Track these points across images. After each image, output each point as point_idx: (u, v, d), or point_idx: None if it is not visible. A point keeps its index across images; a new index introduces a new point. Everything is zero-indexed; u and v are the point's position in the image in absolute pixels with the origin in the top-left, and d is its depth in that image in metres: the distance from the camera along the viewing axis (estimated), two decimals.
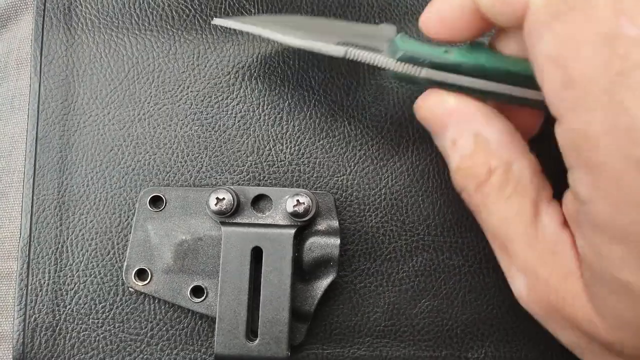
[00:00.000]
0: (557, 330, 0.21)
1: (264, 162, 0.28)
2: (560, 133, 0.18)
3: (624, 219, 0.16)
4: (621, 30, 0.16)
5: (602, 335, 0.18)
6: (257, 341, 0.25)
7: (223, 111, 0.29)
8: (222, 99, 0.29)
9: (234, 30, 0.29)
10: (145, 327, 0.28)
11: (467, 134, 0.22)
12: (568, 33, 0.17)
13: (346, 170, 0.28)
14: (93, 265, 0.28)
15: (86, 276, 0.28)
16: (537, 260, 0.20)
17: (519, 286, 0.21)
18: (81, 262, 0.28)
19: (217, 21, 0.27)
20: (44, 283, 0.28)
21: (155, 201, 0.28)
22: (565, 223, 0.20)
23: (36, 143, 0.28)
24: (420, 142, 0.29)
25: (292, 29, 0.25)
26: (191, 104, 0.29)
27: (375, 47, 0.23)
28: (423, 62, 0.22)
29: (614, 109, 0.16)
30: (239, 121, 0.29)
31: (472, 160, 0.21)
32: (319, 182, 0.28)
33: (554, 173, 0.22)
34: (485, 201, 0.21)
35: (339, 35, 0.24)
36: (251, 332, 0.26)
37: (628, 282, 0.17)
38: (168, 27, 0.29)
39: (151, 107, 0.28)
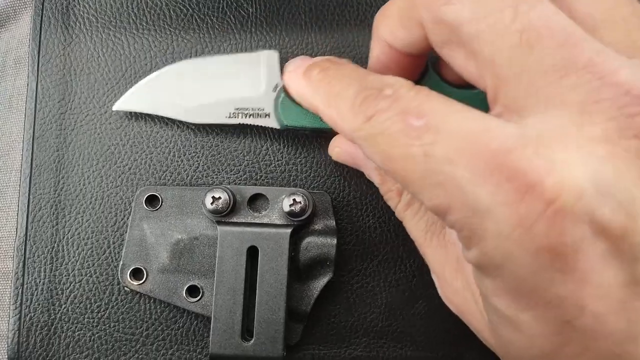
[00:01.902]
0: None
1: (261, 161, 0.28)
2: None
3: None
4: None
5: (495, 348, 0.21)
6: (252, 341, 0.25)
7: None
8: None
9: (231, 29, 0.29)
10: (141, 327, 0.28)
11: (370, 171, 0.26)
12: None
13: (343, 170, 0.28)
14: (89, 265, 0.28)
15: (82, 275, 0.28)
16: (444, 267, 0.23)
17: (436, 286, 0.24)
18: (77, 261, 0.28)
19: (117, 106, 0.28)
20: (40, 282, 0.28)
21: (151, 200, 0.27)
22: None
23: (33, 142, 0.28)
24: None
25: (191, 110, 0.27)
26: None
27: (263, 109, 0.27)
28: (304, 127, 0.27)
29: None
30: None
31: (383, 189, 0.25)
32: (316, 182, 0.28)
33: None
34: (401, 215, 0.25)
35: (231, 103, 0.27)
36: (247, 331, 0.26)
37: (503, 311, 0.18)
38: (165, 26, 0.29)
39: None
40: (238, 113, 0.27)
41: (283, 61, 0.28)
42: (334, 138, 0.27)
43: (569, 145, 0.16)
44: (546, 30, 0.17)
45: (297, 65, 0.24)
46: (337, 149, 0.26)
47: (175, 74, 0.28)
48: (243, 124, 0.27)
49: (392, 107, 0.19)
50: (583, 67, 0.17)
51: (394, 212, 0.28)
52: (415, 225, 0.24)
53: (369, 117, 0.19)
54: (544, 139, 0.17)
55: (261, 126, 0.27)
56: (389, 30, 0.22)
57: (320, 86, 0.22)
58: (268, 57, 0.27)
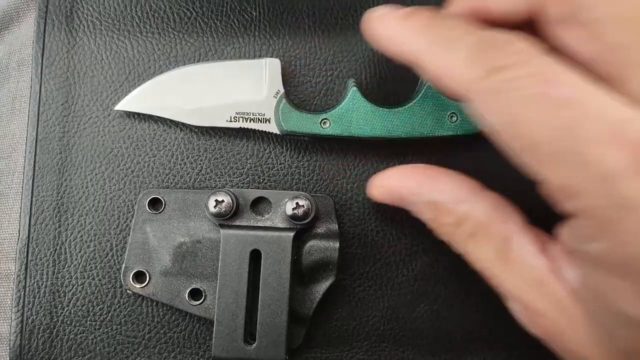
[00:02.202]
0: (557, 351, 0.21)
1: (264, 164, 0.28)
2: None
3: (627, 255, 0.17)
4: None
5: None
6: (255, 344, 0.25)
7: None
8: None
9: (235, 32, 0.29)
10: (143, 330, 0.28)
11: (422, 206, 0.24)
12: None
13: (346, 174, 0.28)
14: (91, 267, 0.28)
15: (84, 278, 0.28)
16: (522, 289, 0.21)
17: (515, 312, 0.22)
18: (79, 264, 0.28)
19: (119, 107, 0.28)
20: (42, 285, 0.28)
21: (154, 203, 0.27)
22: (542, 249, 0.21)
23: (36, 144, 0.28)
24: (421, 146, 0.29)
25: (192, 112, 0.28)
26: None
27: (264, 114, 0.27)
28: (303, 133, 0.27)
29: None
30: None
31: (437, 223, 0.24)
32: (319, 185, 0.28)
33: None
34: (462, 248, 0.23)
35: (233, 107, 0.27)
36: (249, 335, 0.26)
37: (632, 314, 0.17)
38: (169, 29, 0.29)
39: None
40: (239, 117, 0.27)
41: (287, 69, 0.29)
42: (374, 176, 0.26)
43: None
44: None
45: (391, 10, 0.22)
46: (380, 189, 0.25)
47: (178, 78, 0.28)
48: (244, 128, 0.28)
49: (527, 65, 0.17)
50: None
51: (396, 216, 0.28)
52: (483, 253, 0.22)
53: (494, 69, 0.18)
54: None
55: (263, 130, 0.28)
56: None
57: (429, 30, 0.20)
58: (270, 64, 0.28)
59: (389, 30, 0.22)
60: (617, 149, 0.16)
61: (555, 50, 0.19)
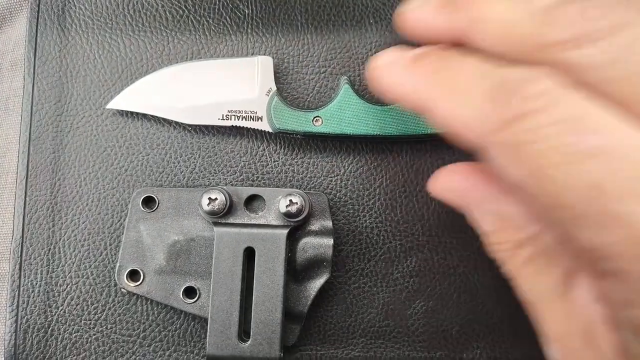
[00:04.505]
0: None
1: (257, 162, 0.28)
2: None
3: None
4: None
5: None
6: (249, 342, 0.25)
7: None
8: None
9: (227, 30, 0.29)
10: (138, 328, 0.27)
11: (487, 215, 0.21)
12: None
13: (340, 171, 0.28)
14: (85, 266, 0.28)
15: (78, 277, 0.28)
16: (570, 335, 0.19)
17: (555, 355, 0.20)
18: (73, 263, 0.28)
19: (111, 105, 0.28)
20: (36, 284, 0.27)
21: (148, 202, 0.27)
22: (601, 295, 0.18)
23: (29, 144, 0.28)
24: (414, 143, 0.29)
25: (184, 111, 0.28)
26: None
27: (256, 112, 0.27)
28: (295, 131, 0.27)
29: None
30: None
31: (497, 238, 0.21)
32: (313, 183, 0.28)
33: None
34: (515, 272, 0.20)
35: (225, 105, 0.27)
36: (244, 332, 0.26)
37: None
38: (161, 28, 0.29)
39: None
40: (231, 115, 0.28)
41: (280, 66, 0.29)
42: (438, 171, 0.22)
43: None
44: None
45: (397, 56, 0.20)
46: (442, 186, 0.22)
47: (170, 76, 0.28)
48: (236, 126, 0.28)
49: (552, 109, 0.15)
50: None
51: (390, 213, 0.28)
52: (538, 284, 0.19)
53: (512, 118, 0.16)
54: None
55: (256, 128, 0.28)
56: (483, 34, 0.18)
57: (439, 76, 0.19)
58: (262, 62, 0.28)
59: (397, 78, 0.20)
60: None
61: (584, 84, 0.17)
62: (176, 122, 0.28)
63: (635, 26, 0.16)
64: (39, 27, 0.29)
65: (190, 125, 0.28)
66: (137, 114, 0.28)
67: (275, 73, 0.28)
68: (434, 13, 0.20)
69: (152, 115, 0.28)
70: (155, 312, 0.28)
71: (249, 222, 0.27)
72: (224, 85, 0.28)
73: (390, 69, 0.20)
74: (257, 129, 0.28)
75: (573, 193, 0.15)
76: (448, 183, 0.22)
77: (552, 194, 0.15)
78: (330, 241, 0.27)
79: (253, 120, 0.27)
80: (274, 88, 0.27)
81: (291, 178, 0.28)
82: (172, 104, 0.28)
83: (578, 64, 0.16)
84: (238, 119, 0.28)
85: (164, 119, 0.28)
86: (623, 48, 0.16)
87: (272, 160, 0.28)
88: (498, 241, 0.21)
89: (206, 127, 0.28)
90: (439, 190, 0.22)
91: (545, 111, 0.15)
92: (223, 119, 0.28)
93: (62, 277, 0.28)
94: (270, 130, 0.27)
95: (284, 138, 0.29)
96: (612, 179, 0.14)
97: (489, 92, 0.17)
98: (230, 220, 0.27)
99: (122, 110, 0.28)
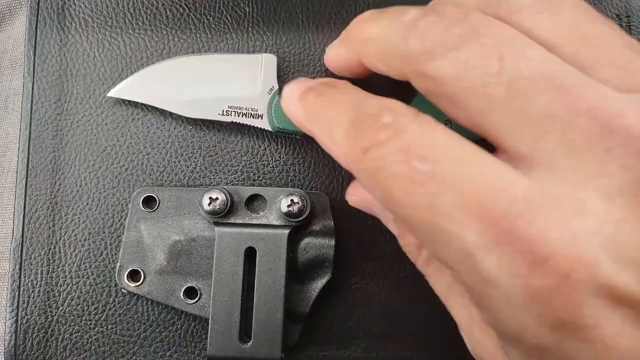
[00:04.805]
0: None
1: (259, 162, 0.28)
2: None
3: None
4: None
5: None
6: (250, 343, 0.25)
7: None
8: None
9: (228, 28, 0.29)
10: (138, 329, 0.27)
11: (388, 222, 0.24)
12: None
13: (342, 170, 0.28)
14: (86, 266, 0.28)
15: (79, 277, 0.27)
16: (471, 325, 0.21)
17: (467, 344, 0.22)
18: (74, 263, 0.28)
19: (112, 93, 0.28)
20: (37, 284, 0.27)
21: (149, 201, 0.27)
22: None
23: (29, 143, 0.28)
24: None
25: (184, 103, 0.27)
26: None
27: (256, 110, 0.27)
28: (295, 132, 0.27)
29: None
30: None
31: (402, 240, 0.24)
32: (314, 182, 0.28)
33: None
34: (422, 270, 0.23)
35: (225, 101, 0.27)
36: (245, 333, 0.26)
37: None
38: (162, 26, 0.29)
39: (144, 106, 0.28)
40: (231, 111, 0.27)
41: (281, 65, 0.28)
42: (351, 184, 0.26)
43: (582, 207, 0.15)
44: (538, 77, 0.16)
45: (293, 89, 0.23)
46: (354, 197, 0.25)
47: (172, 68, 0.28)
48: (235, 122, 0.27)
49: (393, 141, 0.17)
50: (586, 111, 0.15)
51: None
52: (438, 282, 0.22)
53: (366, 148, 0.18)
54: (556, 199, 0.15)
55: (255, 126, 0.27)
56: (370, 61, 0.21)
57: (315, 112, 0.21)
58: (266, 60, 0.27)
59: (292, 112, 0.23)
60: (473, 222, 0.15)
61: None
62: (177, 121, 0.28)
63: (482, 37, 0.17)
64: (38, 25, 0.29)
65: (189, 119, 0.28)
66: (138, 112, 0.28)
67: (279, 72, 0.27)
68: (337, 50, 0.23)
69: (151, 110, 0.28)
70: (156, 313, 0.27)
71: (250, 222, 0.26)
72: (227, 81, 0.27)
73: (287, 101, 0.23)
74: (257, 127, 0.27)
75: (414, 213, 0.17)
76: (356, 194, 0.25)
77: (399, 214, 0.17)
78: (332, 241, 0.27)
79: (253, 117, 0.27)
80: (276, 87, 0.27)
81: (292, 178, 0.28)
82: (172, 96, 0.27)
83: (434, 77, 0.18)
84: (238, 116, 0.27)
85: (165, 117, 0.28)
86: (466, 61, 0.17)
87: (274, 159, 0.28)
88: (404, 243, 0.24)
89: (207, 125, 0.28)
90: (352, 200, 0.25)
91: (388, 142, 0.17)
92: (223, 114, 0.27)
93: (62, 277, 0.27)
94: (270, 129, 0.27)
95: (286, 137, 0.28)
96: (439, 200, 0.16)
97: (351, 124, 0.19)
98: (231, 220, 0.26)
99: (121, 101, 0.28)
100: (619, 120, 0.15)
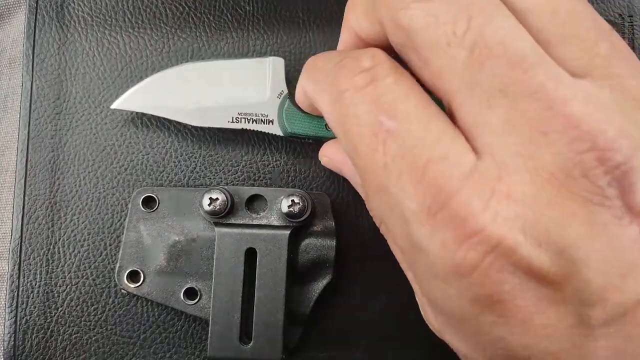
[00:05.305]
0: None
1: (259, 162, 0.28)
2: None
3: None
4: None
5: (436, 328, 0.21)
6: (251, 344, 0.25)
7: None
8: None
9: (228, 28, 0.29)
10: (138, 330, 0.27)
11: (358, 185, 0.23)
12: None
13: None
14: (85, 267, 0.27)
15: (78, 278, 0.27)
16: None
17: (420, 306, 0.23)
18: (73, 264, 0.27)
19: (116, 105, 0.27)
20: (36, 285, 0.27)
21: (148, 202, 0.27)
22: None
23: (28, 142, 0.28)
24: None
25: (192, 113, 0.27)
26: None
27: (267, 115, 0.27)
28: (307, 136, 0.26)
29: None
30: None
31: (369, 205, 0.23)
32: (315, 183, 0.28)
33: None
34: (386, 237, 0.22)
35: (234, 108, 0.27)
36: (245, 334, 0.25)
37: (453, 345, 0.19)
38: (161, 25, 0.29)
39: None
40: (241, 118, 0.26)
41: (289, 68, 0.28)
42: (324, 145, 0.26)
43: (513, 190, 0.16)
44: (499, 48, 0.16)
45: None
46: (325, 158, 0.26)
47: (177, 76, 0.27)
48: (246, 129, 0.27)
49: (367, 89, 0.17)
50: (533, 92, 0.16)
51: None
52: (393, 246, 0.23)
53: (342, 92, 0.18)
54: (490, 179, 0.16)
55: (267, 132, 0.27)
56: (356, 19, 0.20)
57: (311, 67, 0.21)
58: (274, 64, 0.27)
59: (298, 87, 0.23)
60: (416, 190, 0.16)
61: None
62: (177, 121, 0.28)
63: None
64: (37, 24, 0.29)
65: (199, 128, 0.28)
66: (138, 112, 0.28)
67: (287, 75, 0.27)
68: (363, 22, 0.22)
69: (158, 117, 0.28)
70: (156, 314, 0.27)
71: (251, 223, 0.26)
72: (234, 87, 0.27)
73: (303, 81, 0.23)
74: (268, 133, 0.27)
75: (370, 171, 0.17)
76: (327, 155, 0.25)
77: (359, 169, 0.18)
78: (332, 242, 0.26)
79: (264, 123, 0.26)
80: (286, 91, 0.27)
81: (293, 178, 0.28)
82: (179, 106, 0.27)
83: (406, 26, 0.17)
84: (249, 122, 0.26)
85: (165, 118, 0.28)
86: (436, 14, 0.17)
87: (274, 160, 0.28)
88: (369, 207, 0.23)
89: (210, 127, 0.28)
90: (323, 160, 0.26)
91: (363, 89, 0.17)
92: (233, 122, 0.26)
93: (61, 278, 0.27)
94: (282, 134, 0.27)
95: (286, 138, 0.28)
96: (391, 162, 0.16)
97: (334, 67, 0.18)
98: (232, 221, 0.26)
99: (123, 109, 0.28)
100: (563, 107, 0.15)
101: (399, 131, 0.16)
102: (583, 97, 0.16)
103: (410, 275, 0.22)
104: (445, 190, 0.16)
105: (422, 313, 0.22)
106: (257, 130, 0.27)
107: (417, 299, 0.22)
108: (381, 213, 0.18)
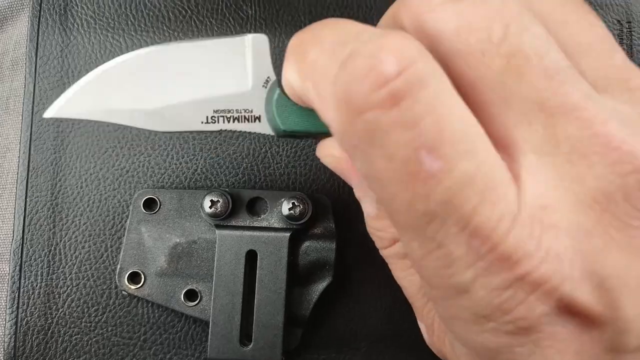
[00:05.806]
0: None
1: (260, 164, 0.28)
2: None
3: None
4: None
5: None
6: (251, 346, 0.25)
7: None
8: None
9: (230, 31, 0.29)
10: (139, 331, 0.27)
11: (370, 198, 0.21)
12: None
13: None
14: (86, 268, 0.27)
15: (79, 279, 0.27)
16: (432, 320, 0.21)
17: (423, 332, 0.22)
18: (74, 265, 0.27)
19: (48, 114, 0.22)
20: (37, 286, 0.27)
21: (150, 203, 0.27)
22: None
23: (30, 144, 0.28)
24: None
25: (153, 115, 0.21)
26: None
27: (251, 110, 0.21)
28: (307, 133, 0.20)
29: None
30: None
31: (376, 225, 0.21)
32: (316, 185, 0.28)
33: None
34: (388, 261, 0.22)
35: (209, 104, 0.21)
36: (245, 336, 0.25)
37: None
38: (164, 28, 0.29)
39: None
40: (218, 117, 0.21)
41: (276, 48, 0.25)
42: (322, 142, 0.21)
43: (558, 216, 0.15)
44: (537, 59, 0.15)
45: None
46: (330, 159, 0.21)
47: (129, 68, 0.20)
48: (226, 130, 0.21)
49: (400, 110, 0.14)
50: (572, 110, 0.15)
51: None
52: (408, 280, 0.22)
53: (359, 111, 0.14)
54: (537, 208, 0.15)
55: (259, 132, 0.21)
56: (384, 22, 0.18)
57: (295, 55, 0.17)
58: (255, 43, 0.20)
59: (284, 75, 0.19)
60: (462, 236, 0.14)
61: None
62: (136, 128, 0.23)
63: None
64: (40, 26, 0.29)
65: (165, 133, 0.25)
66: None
67: (278, 63, 0.21)
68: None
69: (109, 123, 0.22)
70: (156, 315, 0.27)
71: (251, 225, 0.26)
72: (206, 76, 0.20)
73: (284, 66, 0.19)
74: (257, 132, 0.21)
75: (406, 211, 0.15)
76: (332, 155, 0.20)
77: (386, 203, 0.15)
78: (333, 245, 0.27)
79: (249, 121, 0.21)
80: (274, 77, 0.20)
81: (294, 181, 0.28)
82: (134, 107, 0.21)
83: (432, 31, 0.15)
84: (228, 121, 0.21)
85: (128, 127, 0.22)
86: (470, 18, 0.15)
87: (275, 162, 0.28)
88: (374, 228, 0.21)
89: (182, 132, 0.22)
90: (326, 161, 0.21)
91: (391, 108, 0.14)
92: (208, 122, 0.21)
93: (62, 279, 0.27)
94: (272, 133, 0.21)
95: (287, 140, 0.28)
96: (435, 208, 0.14)
97: (330, 70, 0.15)
98: (233, 223, 0.26)
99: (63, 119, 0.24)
100: (602, 127, 0.14)
101: (443, 172, 0.14)
102: (621, 120, 0.15)
103: (418, 302, 0.22)
104: (496, 234, 0.14)
105: (424, 337, 0.22)
106: (244, 131, 0.21)
107: (419, 323, 0.22)
108: (412, 252, 0.16)
